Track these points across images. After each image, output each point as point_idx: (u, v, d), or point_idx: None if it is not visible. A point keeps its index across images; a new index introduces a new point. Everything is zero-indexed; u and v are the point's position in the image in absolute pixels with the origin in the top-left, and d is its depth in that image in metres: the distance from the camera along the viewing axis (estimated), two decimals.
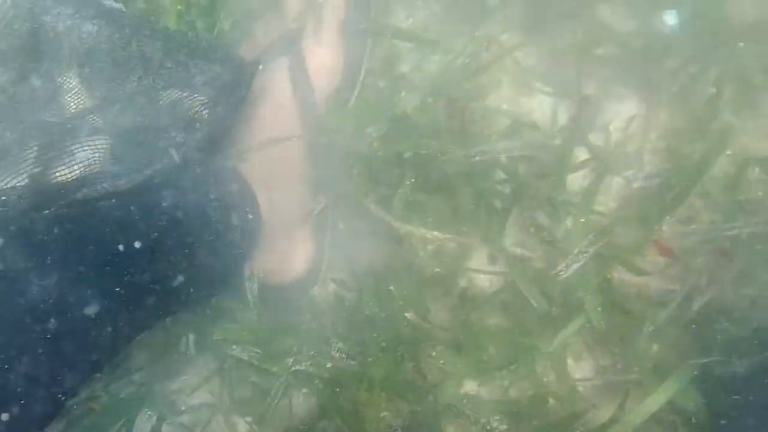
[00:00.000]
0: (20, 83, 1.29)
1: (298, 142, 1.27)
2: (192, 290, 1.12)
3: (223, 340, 1.25)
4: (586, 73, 1.34)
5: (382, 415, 1.15)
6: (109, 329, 1.00)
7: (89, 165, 1.13)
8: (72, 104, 1.27)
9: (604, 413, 1.20)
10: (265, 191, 1.24)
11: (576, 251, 1.16)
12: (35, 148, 1.14)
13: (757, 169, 1.22)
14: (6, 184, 1.10)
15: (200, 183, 1.18)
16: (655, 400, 1.13)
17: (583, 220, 1.18)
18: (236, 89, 1.20)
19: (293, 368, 1.20)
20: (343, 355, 1.20)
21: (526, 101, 1.36)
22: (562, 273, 1.15)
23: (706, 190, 1.25)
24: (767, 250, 1.17)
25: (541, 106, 1.36)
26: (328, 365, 1.20)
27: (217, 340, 1.26)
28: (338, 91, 1.32)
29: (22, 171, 1.12)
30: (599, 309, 1.15)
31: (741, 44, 1.24)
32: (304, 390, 1.30)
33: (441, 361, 1.18)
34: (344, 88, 1.33)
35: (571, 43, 1.35)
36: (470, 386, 1.26)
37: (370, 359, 1.18)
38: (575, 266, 1.15)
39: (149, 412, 1.33)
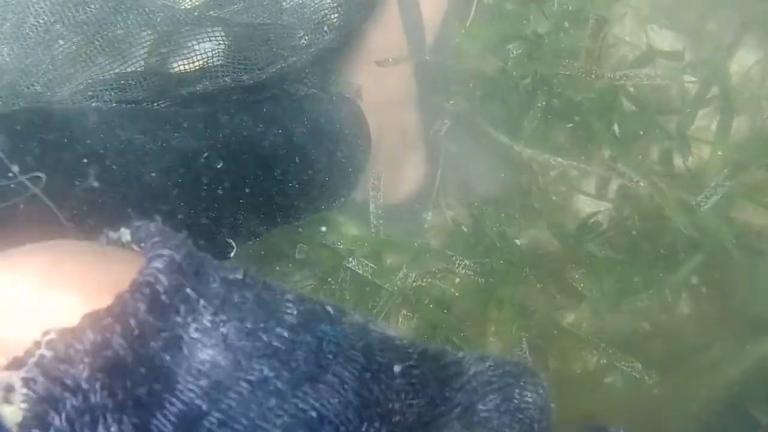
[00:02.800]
0: None
1: (411, 62, 1.25)
2: (304, 201, 1.09)
3: (335, 251, 1.22)
4: (709, 12, 1.33)
5: (513, 330, 1.13)
6: (223, 231, 0.97)
7: (211, 57, 1.09)
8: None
9: (714, 351, 1.19)
10: (378, 113, 1.21)
11: (713, 184, 1.15)
12: (156, 34, 1.11)
13: None
14: (125, 69, 1.07)
15: (321, 91, 1.16)
16: None
17: (720, 152, 1.17)
18: None
19: (415, 283, 1.18)
20: (470, 272, 1.18)
21: (648, 35, 1.34)
22: (702, 204, 1.14)
23: None
24: None
25: (662, 44, 1.35)
26: (456, 281, 1.18)
27: (326, 254, 1.24)
28: (451, 12, 1.30)
29: (142, 56, 1.09)
30: (734, 242, 1.14)
31: None
32: (404, 311, 1.27)
33: (580, 284, 1.15)
34: (457, 10, 1.30)
35: None
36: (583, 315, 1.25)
37: (496, 278, 1.17)
38: (714, 198, 1.14)
39: None
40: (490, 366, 0.60)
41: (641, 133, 1.22)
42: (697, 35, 1.34)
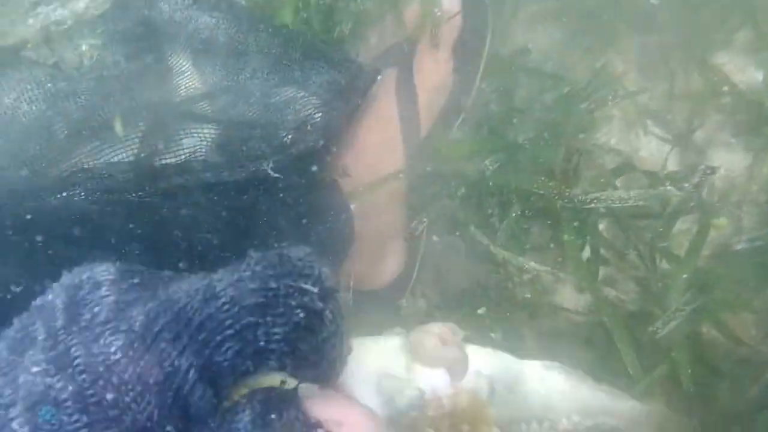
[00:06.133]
0: (133, 60, 1.27)
1: (399, 159, 1.27)
2: None
3: None
4: (698, 118, 1.34)
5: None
6: None
7: (194, 152, 1.12)
8: (183, 87, 1.25)
9: None
10: (362, 204, 1.24)
11: (674, 308, 1.17)
12: (143, 127, 1.14)
13: None
14: (111, 159, 1.10)
15: (301, 187, 1.17)
16: None
17: (685, 276, 1.18)
18: (352, 95, 1.19)
19: None
20: None
21: (634, 139, 1.35)
22: (659, 330, 1.15)
23: None
24: None
25: (649, 146, 1.36)
26: None
27: None
28: (444, 111, 1.31)
29: (127, 148, 1.12)
30: (689, 370, 1.16)
31: None
32: None
33: None
34: (451, 108, 1.32)
35: (687, 89, 1.34)
36: None
37: None
38: (672, 324, 1.16)
39: None
40: None
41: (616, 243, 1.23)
42: (683, 142, 1.34)
